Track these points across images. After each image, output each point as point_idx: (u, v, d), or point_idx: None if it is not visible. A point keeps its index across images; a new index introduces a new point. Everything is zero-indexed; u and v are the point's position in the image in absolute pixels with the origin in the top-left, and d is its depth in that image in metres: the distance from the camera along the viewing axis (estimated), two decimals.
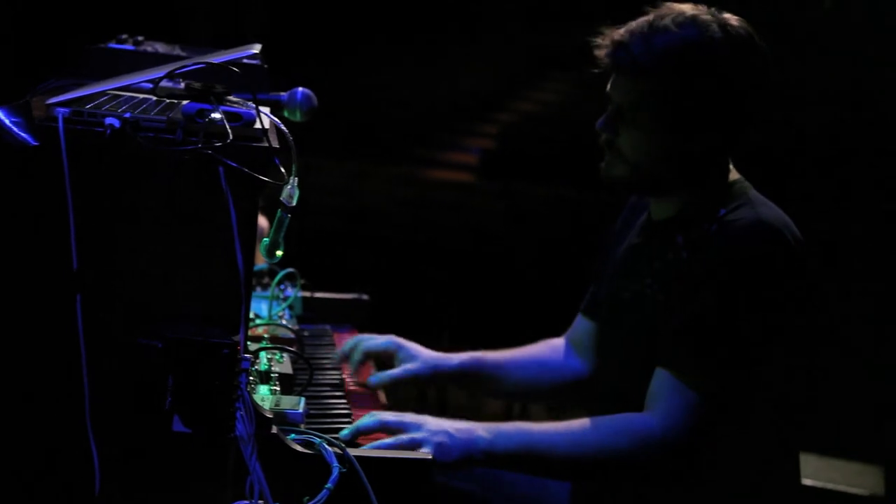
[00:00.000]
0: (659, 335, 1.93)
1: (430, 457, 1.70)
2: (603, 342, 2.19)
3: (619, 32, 1.97)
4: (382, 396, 2.19)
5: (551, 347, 2.36)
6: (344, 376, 2.22)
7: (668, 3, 1.98)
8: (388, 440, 1.79)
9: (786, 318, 1.91)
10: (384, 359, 2.28)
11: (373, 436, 1.83)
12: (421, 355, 2.24)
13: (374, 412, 1.88)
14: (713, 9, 1.97)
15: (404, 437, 1.80)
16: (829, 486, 3.06)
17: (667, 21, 1.93)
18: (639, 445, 1.86)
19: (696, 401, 1.84)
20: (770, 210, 1.95)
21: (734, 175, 2.04)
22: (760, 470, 2.01)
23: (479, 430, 1.86)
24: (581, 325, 2.32)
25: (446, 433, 1.83)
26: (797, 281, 1.92)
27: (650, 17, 1.96)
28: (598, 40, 1.98)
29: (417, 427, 1.82)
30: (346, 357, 2.27)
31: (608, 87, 2.01)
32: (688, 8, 1.96)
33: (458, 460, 1.82)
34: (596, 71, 2.00)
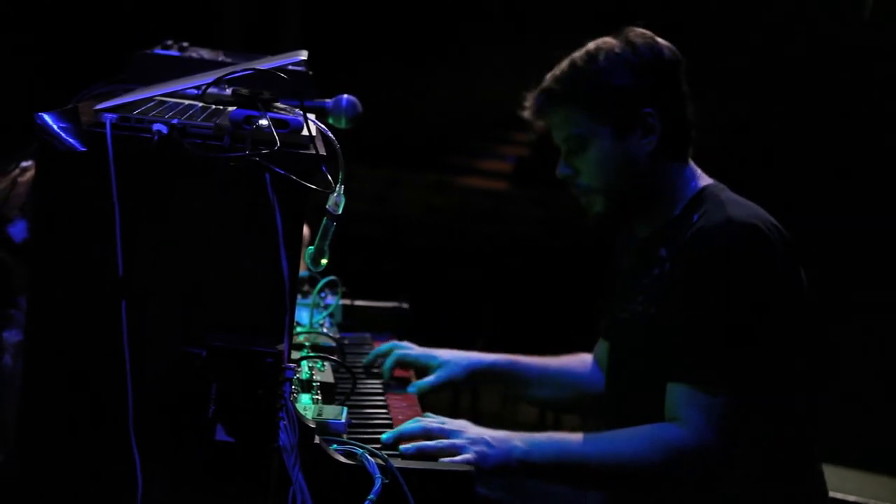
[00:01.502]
0: (660, 351, 1.97)
1: (472, 469, 1.70)
2: (611, 360, 2.24)
3: (533, 91, 2.12)
4: (418, 408, 2.18)
5: (580, 360, 2.43)
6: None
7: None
8: (429, 443, 1.80)
9: (778, 306, 1.95)
10: (419, 369, 2.30)
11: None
12: (454, 359, 2.30)
13: (419, 417, 1.90)
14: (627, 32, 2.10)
15: (445, 441, 1.81)
16: (852, 498, 3.03)
17: (571, 57, 2.09)
18: (673, 457, 1.89)
19: (716, 407, 1.89)
20: (741, 208, 2.00)
21: (705, 181, 2.11)
22: (787, 481, 2.02)
23: (516, 439, 1.89)
24: (600, 346, 2.39)
25: (485, 441, 1.85)
26: (779, 269, 1.96)
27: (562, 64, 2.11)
28: (525, 105, 2.13)
29: (458, 434, 1.85)
30: (378, 358, 2.29)
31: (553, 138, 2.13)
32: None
33: (494, 468, 1.85)
34: (539, 129, 2.15)
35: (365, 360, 2.29)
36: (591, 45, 2.08)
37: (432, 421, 1.87)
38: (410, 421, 1.86)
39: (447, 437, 1.82)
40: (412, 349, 2.31)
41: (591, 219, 2.14)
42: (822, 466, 2.11)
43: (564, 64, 2.09)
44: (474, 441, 1.84)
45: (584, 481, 1.95)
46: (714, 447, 1.88)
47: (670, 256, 2.03)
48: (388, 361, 2.26)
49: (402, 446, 1.77)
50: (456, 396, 5.11)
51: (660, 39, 2.08)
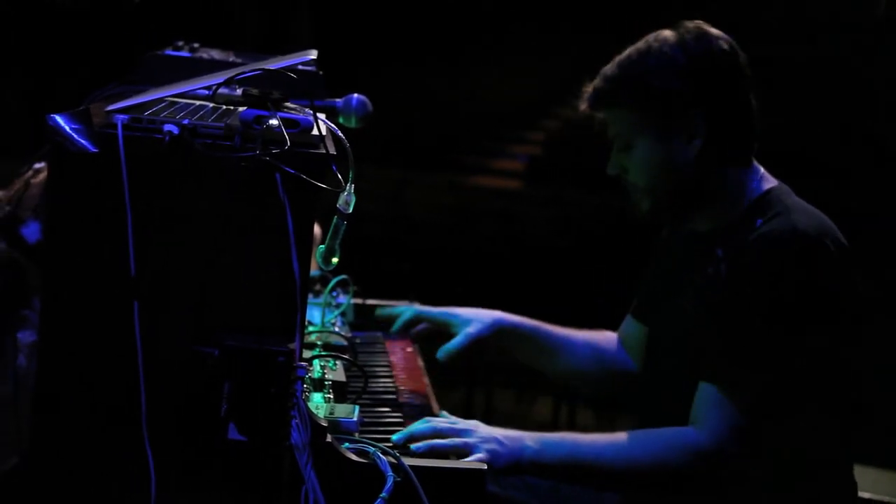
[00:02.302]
0: (701, 349, 1.94)
1: (485, 467, 1.70)
2: (651, 347, 2.21)
3: (591, 83, 2.07)
4: (435, 405, 2.18)
5: (606, 337, 2.39)
6: (397, 384, 2.21)
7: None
8: (440, 441, 1.80)
9: (826, 326, 1.91)
10: (442, 331, 2.28)
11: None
12: (477, 317, 2.26)
13: (429, 417, 1.90)
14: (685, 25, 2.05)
15: (457, 440, 1.81)
16: (887, 499, 3.01)
17: (628, 50, 2.04)
18: (688, 459, 1.87)
19: (740, 413, 1.86)
20: (808, 217, 1.96)
21: (770, 183, 2.05)
22: (815, 481, 2.00)
23: (528, 439, 1.89)
24: (630, 325, 2.34)
25: (496, 440, 1.85)
26: (836, 288, 1.92)
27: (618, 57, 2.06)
28: (581, 97, 2.09)
29: (469, 433, 1.85)
30: (395, 318, 2.30)
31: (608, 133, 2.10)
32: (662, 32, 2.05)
33: (505, 467, 1.85)
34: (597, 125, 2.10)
35: (393, 326, 2.26)
36: (643, 42, 2.03)
37: (442, 421, 1.87)
38: (420, 421, 1.86)
39: (458, 437, 1.82)
40: (431, 308, 2.28)
41: (639, 217, 2.09)
42: (852, 470, 2.07)
43: (617, 60, 2.04)
44: (485, 440, 1.84)
45: (595, 482, 1.94)
46: (731, 451, 1.86)
47: (727, 257, 1.98)
48: (406, 314, 2.24)
49: (414, 445, 1.77)
50: (470, 395, 5.12)
51: (714, 33, 2.02)
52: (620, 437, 1.94)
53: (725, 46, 2.01)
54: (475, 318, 2.26)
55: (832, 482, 2.03)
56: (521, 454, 1.86)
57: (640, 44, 2.03)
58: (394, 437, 1.80)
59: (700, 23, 2.03)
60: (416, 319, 2.26)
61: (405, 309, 2.32)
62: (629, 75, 2.01)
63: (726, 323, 1.91)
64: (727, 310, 1.91)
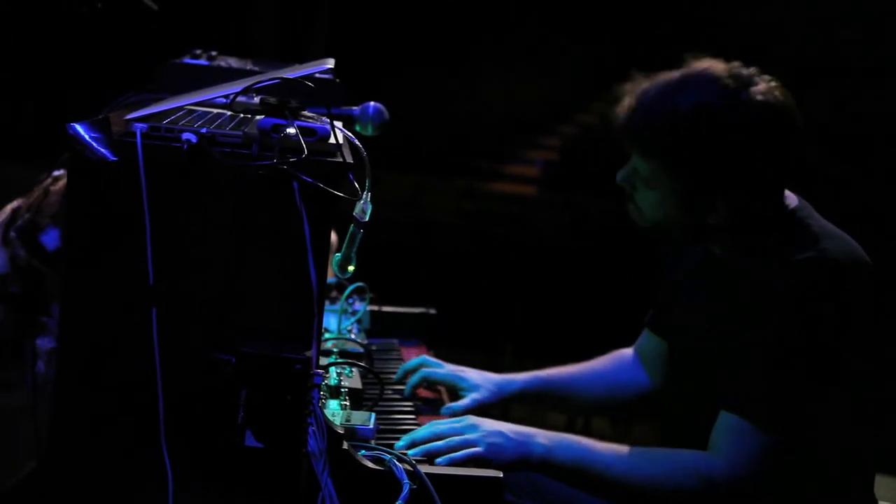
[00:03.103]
0: (721, 374, 1.90)
1: (501, 475, 1.70)
2: (671, 363, 2.17)
3: (628, 104, 1.90)
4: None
5: (618, 361, 2.33)
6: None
7: (697, 63, 1.89)
8: (437, 443, 1.79)
9: (852, 356, 1.87)
10: (447, 389, 2.26)
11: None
12: (484, 383, 2.23)
13: (433, 421, 1.90)
14: (737, 67, 1.86)
15: (456, 439, 1.80)
16: None
17: (663, 82, 1.87)
18: (701, 485, 1.84)
19: (761, 444, 1.82)
20: (834, 242, 1.88)
21: (791, 201, 1.95)
22: (833, 493, 1.97)
23: (539, 436, 1.87)
24: (647, 339, 2.30)
25: (501, 434, 1.84)
26: (863, 319, 1.87)
27: (657, 85, 1.88)
28: (616, 109, 1.93)
29: (473, 429, 1.84)
30: (407, 374, 2.25)
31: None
32: (708, 66, 1.87)
33: (511, 461, 1.82)
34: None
35: (395, 377, 2.23)
36: (686, 75, 1.85)
37: (444, 423, 1.86)
38: (424, 427, 1.86)
39: (459, 435, 1.81)
40: (441, 367, 2.23)
41: (633, 220, 2.01)
42: (872, 489, 2.03)
43: (652, 90, 1.86)
44: (488, 434, 1.82)
45: (602, 491, 1.90)
46: (745, 485, 1.82)
47: (748, 283, 1.90)
48: (413, 379, 2.20)
49: (411, 451, 1.76)
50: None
51: (783, 99, 1.83)
52: (635, 451, 1.90)
53: (790, 111, 1.83)
54: (482, 384, 2.21)
55: (849, 492, 1.99)
56: (529, 450, 1.84)
57: (679, 78, 1.85)
58: (397, 444, 1.80)
59: (755, 70, 1.85)
60: (425, 383, 2.23)
61: (417, 362, 2.27)
62: (663, 115, 1.83)
63: (752, 353, 1.84)
64: (753, 339, 1.84)
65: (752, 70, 1.87)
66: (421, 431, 1.84)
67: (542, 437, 1.86)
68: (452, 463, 1.76)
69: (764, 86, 1.85)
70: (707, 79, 1.84)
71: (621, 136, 1.93)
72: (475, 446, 1.80)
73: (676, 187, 1.88)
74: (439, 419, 1.96)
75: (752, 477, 1.82)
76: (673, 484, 1.85)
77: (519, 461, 1.83)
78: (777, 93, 1.85)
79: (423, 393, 2.22)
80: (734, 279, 1.95)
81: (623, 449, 1.92)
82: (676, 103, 1.83)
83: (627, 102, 1.90)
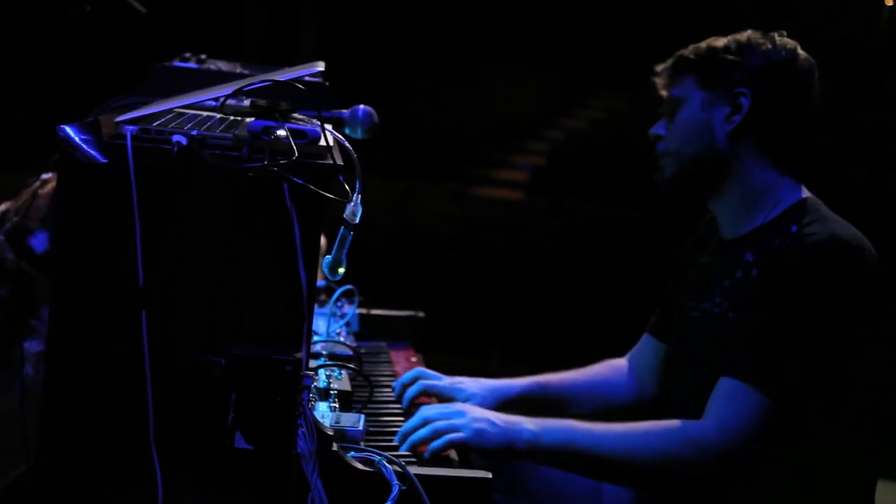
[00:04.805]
0: (727, 351, 1.91)
1: (490, 475, 1.70)
2: (671, 363, 2.18)
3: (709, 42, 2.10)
4: None
5: (613, 369, 2.36)
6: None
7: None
8: (421, 432, 1.81)
9: (855, 335, 1.90)
10: (444, 401, 2.27)
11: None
12: (481, 391, 2.23)
13: (423, 406, 1.92)
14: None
15: (443, 423, 1.82)
16: None
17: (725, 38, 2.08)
18: (690, 450, 1.84)
19: (754, 407, 1.83)
20: (845, 228, 1.95)
21: (805, 193, 2.05)
22: (832, 494, 1.98)
23: (527, 422, 1.88)
24: (647, 345, 2.31)
25: (487, 420, 1.85)
26: (869, 299, 1.91)
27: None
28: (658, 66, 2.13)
29: (460, 414, 1.85)
30: (404, 387, 2.25)
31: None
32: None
33: (497, 447, 1.83)
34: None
35: (395, 393, 2.22)
36: (739, 33, 2.08)
37: (433, 409, 1.88)
38: (414, 417, 1.87)
39: (446, 420, 1.83)
40: (438, 380, 2.23)
41: (659, 185, 2.11)
42: (874, 487, 2.04)
43: (707, 40, 2.10)
44: (475, 419, 1.84)
45: (597, 471, 1.91)
46: (735, 448, 1.83)
47: (758, 261, 1.97)
48: (411, 391, 2.19)
49: (402, 446, 1.79)
50: None
51: (803, 53, 2.06)
52: (625, 426, 1.91)
53: (805, 64, 2.05)
54: (480, 392, 2.22)
55: (849, 496, 2.01)
56: (516, 436, 1.84)
57: (735, 34, 2.08)
58: (396, 439, 1.83)
59: (794, 42, 2.07)
60: (424, 395, 2.24)
61: (414, 374, 2.28)
62: (707, 46, 2.07)
63: (759, 322, 1.88)
64: (761, 310, 1.89)
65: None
66: (411, 421, 1.86)
67: (530, 422, 1.87)
68: (434, 451, 1.78)
69: (803, 52, 2.08)
70: (756, 32, 2.07)
71: (670, 69, 2.11)
72: (460, 430, 1.81)
73: (703, 88, 2.05)
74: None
75: (743, 441, 1.83)
76: (663, 454, 1.85)
77: (506, 447, 1.84)
78: (808, 56, 2.07)
79: (418, 399, 2.22)
80: (741, 259, 2.00)
81: (612, 426, 1.92)
82: (724, 39, 2.07)
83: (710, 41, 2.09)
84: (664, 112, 2.12)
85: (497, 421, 1.85)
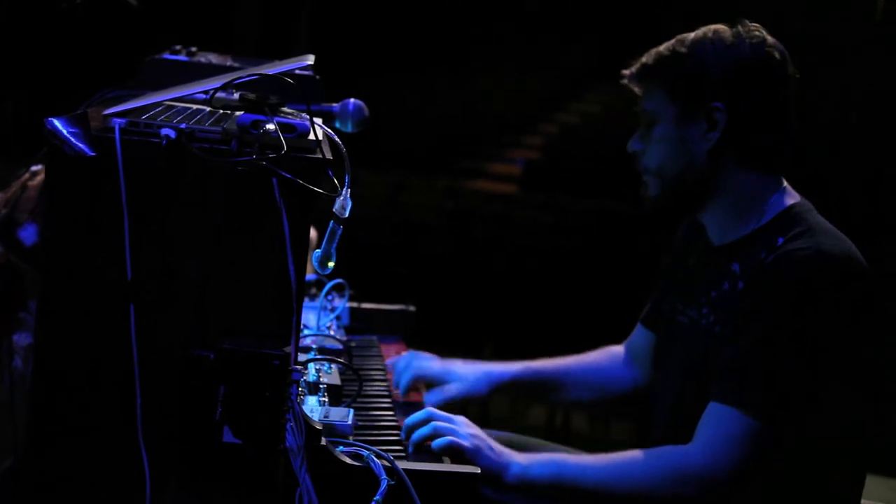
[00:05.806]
0: (712, 366, 1.91)
1: (478, 470, 1.71)
2: (660, 356, 2.18)
3: (670, 47, 2.03)
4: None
5: (610, 356, 2.36)
6: (392, 388, 2.21)
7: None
8: (425, 428, 1.84)
9: (843, 353, 1.88)
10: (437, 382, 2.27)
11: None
12: (475, 375, 2.25)
13: (428, 408, 1.93)
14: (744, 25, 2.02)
15: (446, 425, 1.84)
16: None
17: (679, 37, 2.02)
18: (673, 479, 1.85)
19: (741, 428, 1.83)
20: (832, 239, 1.91)
21: (793, 198, 2.01)
22: (818, 494, 1.97)
23: (517, 456, 1.90)
24: (640, 334, 2.31)
25: (485, 442, 1.87)
26: (856, 314, 1.89)
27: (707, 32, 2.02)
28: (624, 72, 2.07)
29: (463, 426, 1.87)
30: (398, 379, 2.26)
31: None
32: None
33: (486, 470, 1.83)
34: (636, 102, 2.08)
35: (394, 384, 2.23)
36: (700, 30, 2.01)
37: (439, 413, 1.89)
38: (420, 412, 1.90)
39: (451, 424, 1.85)
40: (431, 364, 2.25)
41: (645, 203, 2.07)
42: (860, 492, 2.03)
43: (669, 42, 2.03)
44: (476, 436, 1.86)
45: (579, 502, 1.91)
46: (723, 473, 1.82)
47: (744, 274, 1.93)
48: (406, 377, 2.21)
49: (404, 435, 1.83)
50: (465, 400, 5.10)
51: (770, 39, 1.99)
52: (611, 457, 1.92)
53: (775, 54, 1.97)
54: (473, 376, 2.24)
55: (835, 494, 1.99)
56: (507, 463, 1.87)
57: (693, 32, 2.01)
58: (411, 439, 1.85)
59: (759, 26, 2.00)
60: (417, 381, 2.24)
61: (407, 359, 2.28)
62: (671, 54, 1.99)
63: (744, 344, 1.86)
64: (745, 329, 1.86)
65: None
66: (417, 415, 1.88)
67: (521, 457, 1.89)
68: (440, 447, 1.80)
69: (770, 37, 2.00)
70: (720, 27, 1.99)
71: (636, 73, 2.04)
72: (460, 439, 1.83)
73: (676, 105, 1.98)
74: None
75: (728, 464, 1.82)
76: (648, 485, 1.86)
77: (493, 472, 1.86)
78: (775, 42, 2.00)
79: (411, 395, 2.22)
80: (727, 270, 1.97)
81: (600, 457, 1.93)
82: (689, 38, 1.99)
83: (668, 45, 2.02)
84: (640, 122, 2.05)
85: (493, 446, 1.87)
